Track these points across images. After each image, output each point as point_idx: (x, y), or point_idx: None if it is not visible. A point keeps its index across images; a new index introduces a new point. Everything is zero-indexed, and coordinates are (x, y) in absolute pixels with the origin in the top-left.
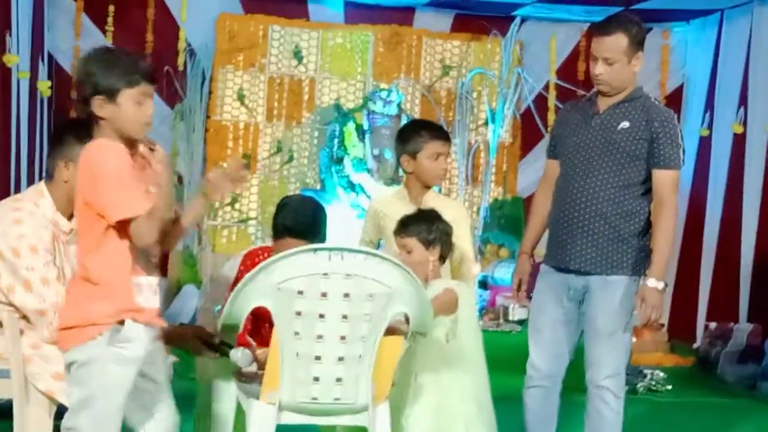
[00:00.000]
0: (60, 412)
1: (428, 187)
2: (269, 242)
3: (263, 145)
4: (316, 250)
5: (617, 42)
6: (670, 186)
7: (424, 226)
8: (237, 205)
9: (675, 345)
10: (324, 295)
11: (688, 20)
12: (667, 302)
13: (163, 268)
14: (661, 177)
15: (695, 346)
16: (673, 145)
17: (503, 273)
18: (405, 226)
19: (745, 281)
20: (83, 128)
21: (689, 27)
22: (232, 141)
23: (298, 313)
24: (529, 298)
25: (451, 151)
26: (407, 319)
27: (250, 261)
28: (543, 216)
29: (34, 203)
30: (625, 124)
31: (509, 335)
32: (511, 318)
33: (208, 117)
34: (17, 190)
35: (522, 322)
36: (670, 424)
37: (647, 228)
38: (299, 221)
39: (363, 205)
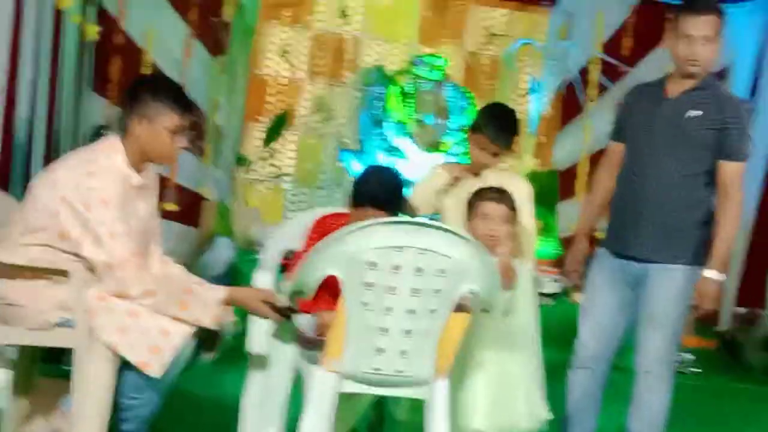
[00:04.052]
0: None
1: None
2: (304, 199)
3: (303, 102)
4: (392, 223)
5: (714, 21)
6: (737, 178)
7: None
8: (273, 161)
9: (698, 326)
10: (396, 268)
11: (736, 1)
12: None
13: (195, 219)
14: (728, 169)
15: (719, 329)
16: (743, 137)
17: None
18: (501, 194)
19: None
20: (161, 86)
21: (738, 9)
22: (272, 96)
23: (369, 285)
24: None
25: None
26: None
27: (322, 228)
28: (604, 198)
29: (107, 156)
30: (696, 112)
31: (543, 308)
32: (544, 291)
33: (250, 70)
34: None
35: (554, 296)
36: (695, 407)
37: (709, 218)
38: (383, 192)
39: (402, 169)
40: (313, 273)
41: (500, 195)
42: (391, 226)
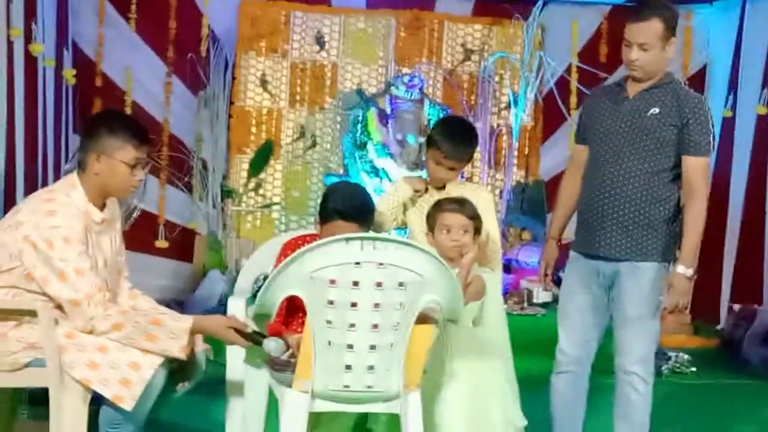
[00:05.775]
0: (95, 399)
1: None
2: (295, 227)
3: (286, 130)
4: (348, 239)
5: (652, 27)
6: (701, 173)
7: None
8: (261, 191)
9: (698, 326)
10: (356, 284)
11: (711, 1)
12: None
13: (188, 254)
14: (692, 164)
15: (719, 327)
16: (704, 132)
17: (526, 256)
18: (460, 203)
19: None
20: (116, 120)
21: (712, 8)
22: (255, 126)
23: (331, 302)
24: (556, 282)
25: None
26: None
27: (291, 250)
28: (571, 201)
29: (67, 195)
30: (656, 109)
31: (534, 318)
32: (535, 301)
33: (231, 103)
34: (44, 177)
35: (546, 305)
36: (695, 406)
37: (677, 214)
38: (350, 204)
39: (387, 189)
40: (273, 295)
41: (459, 205)
42: (348, 243)
